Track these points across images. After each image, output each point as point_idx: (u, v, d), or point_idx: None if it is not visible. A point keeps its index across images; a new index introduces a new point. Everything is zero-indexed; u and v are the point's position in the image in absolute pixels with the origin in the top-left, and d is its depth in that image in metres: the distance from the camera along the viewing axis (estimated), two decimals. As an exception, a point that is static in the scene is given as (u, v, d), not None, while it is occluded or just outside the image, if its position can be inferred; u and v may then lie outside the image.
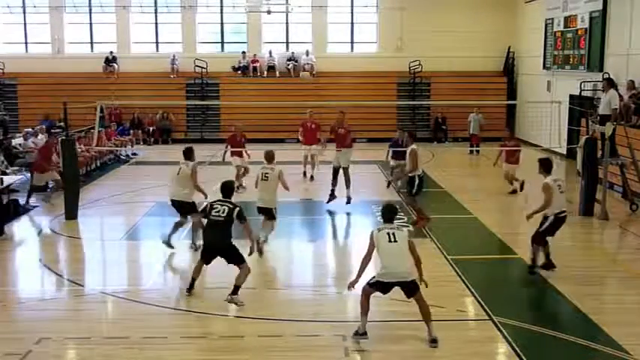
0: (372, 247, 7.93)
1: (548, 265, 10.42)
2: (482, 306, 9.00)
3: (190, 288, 9.49)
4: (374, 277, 7.96)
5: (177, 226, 11.79)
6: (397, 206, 8.14)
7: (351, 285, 8.06)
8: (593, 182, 14.15)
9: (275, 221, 11.92)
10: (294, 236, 13.12)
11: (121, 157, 22.30)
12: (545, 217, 10.29)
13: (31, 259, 11.68)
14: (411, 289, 7.90)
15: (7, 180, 14.52)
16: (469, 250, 11.99)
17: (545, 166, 10.48)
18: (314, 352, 7.77)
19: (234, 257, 9.27)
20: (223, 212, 9.23)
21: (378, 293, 8.00)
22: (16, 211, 14.43)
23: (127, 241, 12.73)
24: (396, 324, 8.56)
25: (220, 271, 10.75)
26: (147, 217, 14.24)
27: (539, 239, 10.37)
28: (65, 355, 7.94)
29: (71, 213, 13.87)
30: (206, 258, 9.47)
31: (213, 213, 9.30)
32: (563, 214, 10.33)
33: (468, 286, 9.79)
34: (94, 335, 8.16)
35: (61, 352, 7.89)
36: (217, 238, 9.29)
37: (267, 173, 11.76)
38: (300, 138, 18.41)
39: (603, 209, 13.89)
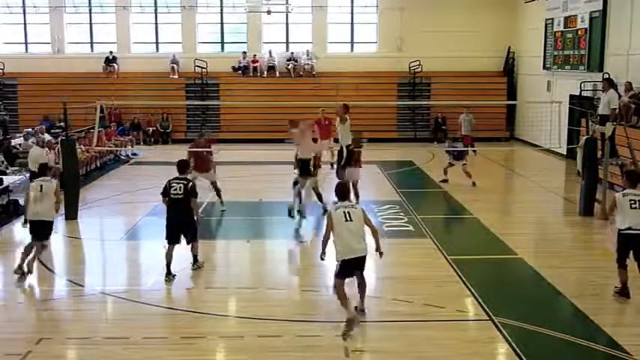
0: (330, 226, 8.33)
1: (623, 292, 9.41)
2: (482, 306, 8.99)
3: (168, 273, 10.11)
4: (337, 264, 8.38)
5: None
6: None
7: (322, 257, 8.54)
8: (593, 182, 14.15)
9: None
10: (294, 236, 13.11)
11: (121, 157, 22.30)
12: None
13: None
14: (362, 263, 8.39)
15: (7, 180, 14.53)
16: (469, 250, 11.99)
17: (633, 179, 9.51)
18: (314, 352, 7.76)
19: (193, 234, 10.28)
20: (181, 190, 10.06)
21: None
22: (16, 211, 14.42)
23: (127, 241, 12.73)
24: (396, 324, 8.56)
25: (221, 271, 10.78)
26: (147, 217, 14.22)
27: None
28: (65, 355, 7.94)
29: (71, 213, 13.86)
30: (171, 237, 10.20)
31: (172, 192, 10.13)
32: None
33: (468, 286, 9.78)
34: (94, 335, 8.16)
35: (61, 352, 7.89)
36: (180, 215, 10.14)
37: None
38: (316, 136, 18.53)
39: (603, 209, 13.88)
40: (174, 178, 10.26)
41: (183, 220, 10.15)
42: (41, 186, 10.34)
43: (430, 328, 8.40)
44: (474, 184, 17.08)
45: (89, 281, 10.48)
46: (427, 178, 19.17)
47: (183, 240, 10.27)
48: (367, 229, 8.50)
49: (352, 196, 13.56)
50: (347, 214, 8.26)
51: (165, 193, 10.18)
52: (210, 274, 10.64)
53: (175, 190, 10.07)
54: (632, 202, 9.13)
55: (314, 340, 8.05)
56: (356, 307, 8.52)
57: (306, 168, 13.48)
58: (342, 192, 8.65)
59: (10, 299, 9.71)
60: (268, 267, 11.29)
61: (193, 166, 13.85)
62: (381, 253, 8.58)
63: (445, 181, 17.51)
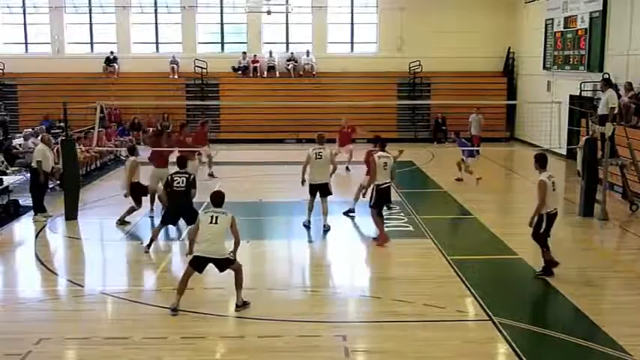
0: (197, 225, 8.92)
1: (547, 271, 10.32)
2: (482, 306, 8.99)
3: (149, 246, 11.43)
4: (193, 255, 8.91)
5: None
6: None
7: (188, 255, 9.08)
8: (593, 183, 14.14)
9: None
10: (293, 236, 13.11)
11: (121, 157, 22.27)
12: (541, 217, 10.19)
13: (31, 259, 11.67)
14: (222, 264, 8.86)
15: (7, 180, 14.53)
16: (469, 250, 11.99)
17: (541, 162, 10.41)
18: (314, 352, 7.76)
19: (193, 216, 10.47)
20: (183, 182, 11.14)
21: None
22: (16, 211, 14.43)
23: (127, 241, 12.73)
24: (396, 324, 8.56)
25: (219, 272, 10.77)
26: (147, 218, 14.22)
27: (543, 241, 10.26)
28: (65, 355, 7.94)
29: (71, 213, 13.87)
30: (167, 219, 11.65)
31: (174, 185, 11.16)
32: (555, 212, 10.27)
33: (467, 287, 9.78)
34: (94, 336, 8.15)
35: (60, 352, 7.90)
36: (181, 204, 11.19)
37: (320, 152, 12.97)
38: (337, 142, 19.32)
39: (603, 209, 13.89)
40: (175, 172, 11.41)
41: (184, 207, 11.26)
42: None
43: (430, 328, 8.39)
44: (478, 180, 17.11)
45: (89, 281, 10.48)
46: (427, 178, 19.17)
47: (179, 239, 10.34)
48: None
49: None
50: (214, 218, 8.80)
51: (168, 185, 11.40)
52: (210, 274, 10.60)
53: (178, 182, 11.19)
54: (552, 184, 10.12)
55: (314, 340, 8.05)
56: None
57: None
58: (219, 201, 9.06)
59: (10, 299, 9.71)
60: (268, 267, 11.29)
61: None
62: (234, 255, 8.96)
63: (460, 179, 17.53)
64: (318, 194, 13.04)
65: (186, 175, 11.29)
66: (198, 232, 8.85)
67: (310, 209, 13.19)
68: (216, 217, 8.78)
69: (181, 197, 11.24)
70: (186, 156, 12.17)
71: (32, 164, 14.07)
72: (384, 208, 12.62)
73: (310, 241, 12.57)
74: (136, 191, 13.41)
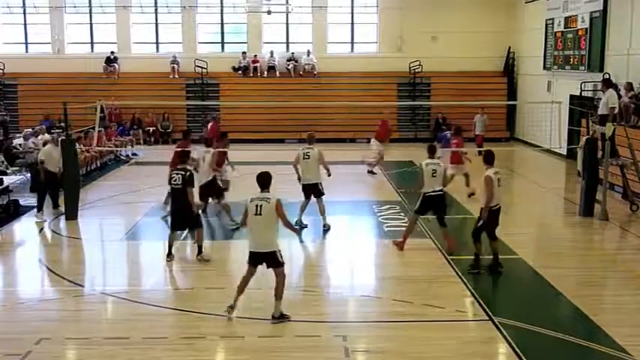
0: (245, 212, 8.54)
1: (494, 268, 10.38)
2: (481, 306, 9.00)
3: (169, 254, 10.88)
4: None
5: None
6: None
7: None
8: (593, 183, 14.14)
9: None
10: (294, 236, 13.09)
11: (121, 157, 22.30)
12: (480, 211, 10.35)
13: (31, 259, 11.68)
14: (269, 260, 8.45)
15: (7, 180, 14.54)
16: (469, 250, 11.97)
17: (488, 158, 10.48)
18: (314, 352, 7.76)
19: (193, 222, 10.86)
20: (179, 180, 10.62)
21: None
22: (16, 211, 14.44)
23: (127, 241, 12.73)
24: (396, 324, 8.57)
25: (221, 271, 10.78)
26: (147, 218, 14.23)
27: (477, 235, 10.46)
28: (65, 355, 7.94)
29: (71, 213, 13.87)
30: (173, 225, 11.09)
31: (172, 182, 10.77)
32: (496, 207, 10.34)
33: (467, 287, 9.79)
34: (94, 336, 8.16)
35: (61, 352, 7.90)
36: (179, 204, 10.75)
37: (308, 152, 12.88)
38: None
39: (603, 209, 13.89)
40: (174, 168, 11.12)
41: (182, 209, 10.75)
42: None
43: (430, 328, 8.39)
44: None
45: (89, 281, 10.48)
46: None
47: (179, 238, 10.33)
48: None
49: None
50: (258, 207, 8.35)
51: (168, 182, 11.12)
52: (210, 274, 10.63)
53: (175, 180, 10.73)
54: (497, 181, 10.27)
55: (314, 340, 8.05)
56: None
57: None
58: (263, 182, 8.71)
59: (10, 299, 9.72)
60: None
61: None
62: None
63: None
64: (312, 196, 13.05)
65: (183, 172, 10.75)
66: (247, 224, 8.51)
67: (302, 209, 13.17)
68: (260, 207, 8.26)
69: (178, 196, 10.76)
70: (188, 151, 11.86)
71: (38, 161, 14.06)
72: (438, 222, 11.77)
73: (301, 241, 12.53)
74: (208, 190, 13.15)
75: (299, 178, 13.09)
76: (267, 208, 8.26)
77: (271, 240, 8.40)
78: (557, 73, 23.41)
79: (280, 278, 8.47)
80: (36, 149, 17.81)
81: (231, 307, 8.54)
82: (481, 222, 10.34)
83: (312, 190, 13.06)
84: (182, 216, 10.84)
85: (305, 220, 13.17)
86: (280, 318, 8.41)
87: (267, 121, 26.08)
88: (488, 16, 27.79)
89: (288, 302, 9.42)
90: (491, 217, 10.25)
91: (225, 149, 14.42)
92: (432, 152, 11.82)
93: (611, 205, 14.40)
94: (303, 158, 12.97)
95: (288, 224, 8.68)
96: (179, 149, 13.65)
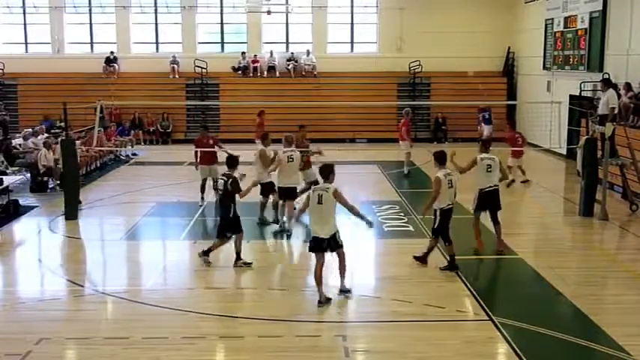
0: (307, 200, 9.20)
1: (451, 266, 10.45)
2: (481, 306, 9.00)
3: (205, 253, 10.76)
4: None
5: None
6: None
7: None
8: (593, 182, 14.15)
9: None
10: (293, 236, 13.10)
11: (121, 157, 22.30)
12: (435, 212, 10.44)
13: (31, 259, 11.69)
14: (332, 244, 9.09)
15: (7, 180, 14.54)
16: (469, 250, 11.98)
17: (439, 159, 10.56)
18: (314, 352, 7.76)
19: (233, 228, 10.69)
20: (222, 186, 10.39)
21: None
22: (16, 211, 14.44)
23: (127, 241, 12.72)
24: (396, 324, 8.57)
25: (221, 271, 10.78)
26: (147, 218, 14.24)
27: (446, 236, 10.52)
28: (65, 355, 7.94)
29: (71, 213, 13.87)
30: (219, 231, 10.92)
31: (218, 187, 10.58)
32: (448, 207, 10.42)
33: (467, 286, 9.79)
34: (94, 336, 8.16)
35: (61, 352, 7.90)
36: (221, 211, 10.77)
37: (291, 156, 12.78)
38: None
39: (603, 209, 13.89)
40: (223, 174, 10.78)
41: (223, 216, 10.75)
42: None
43: (430, 328, 8.40)
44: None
45: (89, 281, 10.48)
46: (427, 178, 19.14)
47: (179, 238, 10.31)
48: None
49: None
50: (320, 197, 8.95)
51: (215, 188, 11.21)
52: (211, 274, 10.64)
53: (219, 185, 10.59)
54: (449, 182, 10.34)
55: (314, 340, 8.05)
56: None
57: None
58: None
59: (11, 299, 9.72)
60: (268, 267, 11.28)
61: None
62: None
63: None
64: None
65: (225, 179, 10.50)
66: (310, 212, 9.09)
67: (275, 208, 13.16)
68: (321, 196, 8.92)
69: (222, 201, 10.72)
70: (236, 156, 11.03)
71: (40, 169, 13.93)
72: (492, 219, 11.58)
73: (305, 241, 12.46)
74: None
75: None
76: (327, 197, 8.91)
77: (331, 225, 9.06)
78: (557, 73, 23.41)
79: (342, 257, 9.31)
80: (36, 149, 17.82)
81: (321, 302, 8.94)
82: (437, 223, 10.45)
83: (289, 194, 12.76)
84: (226, 221, 10.67)
85: (304, 222, 13.17)
86: (346, 292, 9.34)
87: (267, 121, 25.98)
88: (487, 16, 27.80)
89: (288, 302, 9.44)
90: (444, 217, 10.41)
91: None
92: (486, 146, 11.61)
93: (611, 205, 14.41)
94: (288, 162, 12.59)
95: (351, 209, 9.22)
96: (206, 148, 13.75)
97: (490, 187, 11.35)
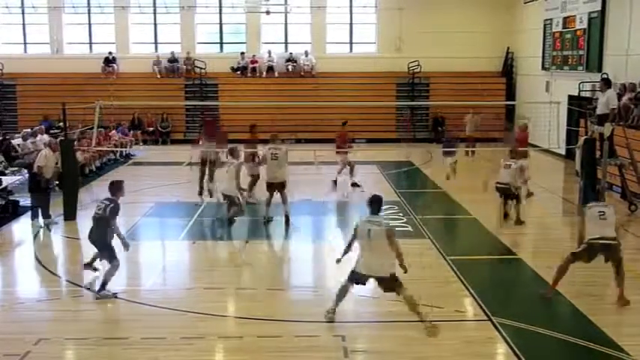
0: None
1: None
2: (481, 306, 9.00)
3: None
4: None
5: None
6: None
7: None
8: (591, 183, 14.14)
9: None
10: (293, 236, 13.11)
11: (120, 157, 22.27)
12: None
13: (30, 259, 11.66)
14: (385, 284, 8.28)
15: (6, 180, 14.50)
16: (468, 250, 12.00)
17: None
18: (313, 352, 7.77)
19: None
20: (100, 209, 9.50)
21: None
22: (15, 211, 14.42)
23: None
24: (395, 324, 8.56)
25: (220, 271, 10.78)
26: (146, 218, 14.23)
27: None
28: (64, 355, 7.93)
29: (70, 213, 13.85)
30: None
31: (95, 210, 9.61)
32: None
33: (467, 287, 9.79)
34: (93, 336, 8.15)
35: (60, 352, 7.89)
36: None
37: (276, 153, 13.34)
38: None
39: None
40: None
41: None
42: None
43: (429, 328, 8.39)
44: (447, 177, 17.29)
45: (88, 281, 10.45)
46: (426, 178, 19.18)
47: (178, 239, 10.24)
48: None
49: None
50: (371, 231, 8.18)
51: None
52: (210, 274, 10.64)
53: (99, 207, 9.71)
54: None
55: (314, 340, 8.05)
56: None
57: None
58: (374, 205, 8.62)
59: (10, 299, 9.71)
60: (268, 267, 11.28)
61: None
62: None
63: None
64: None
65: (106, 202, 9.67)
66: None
67: (268, 204, 13.59)
68: (371, 230, 8.12)
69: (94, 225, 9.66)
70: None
71: (34, 169, 13.82)
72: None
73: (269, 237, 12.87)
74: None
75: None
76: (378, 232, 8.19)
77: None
78: (556, 73, 23.43)
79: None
80: (35, 150, 17.78)
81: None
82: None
83: (278, 187, 13.52)
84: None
85: (304, 221, 13.20)
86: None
87: (266, 122, 25.98)
88: (486, 17, 27.82)
89: (288, 302, 9.44)
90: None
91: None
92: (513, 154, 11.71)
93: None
94: (272, 159, 13.43)
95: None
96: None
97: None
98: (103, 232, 9.44)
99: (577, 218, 9.80)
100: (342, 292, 8.54)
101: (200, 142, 16.14)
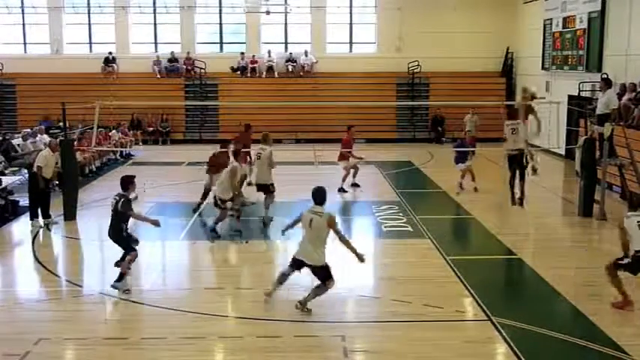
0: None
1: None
2: (481, 306, 9.00)
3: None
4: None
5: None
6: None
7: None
8: (591, 183, 14.15)
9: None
10: (293, 236, 13.08)
11: (119, 158, 22.27)
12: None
13: (30, 259, 11.66)
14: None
15: (6, 180, 14.48)
16: (468, 250, 12.01)
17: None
18: (313, 352, 7.77)
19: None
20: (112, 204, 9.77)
21: None
22: (15, 211, 14.41)
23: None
24: (395, 324, 8.56)
25: (220, 271, 10.78)
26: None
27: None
28: (64, 355, 7.93)
29: (70, 214, 13.85)
30: None
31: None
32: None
33: (467, 287, 9.78)
34: (93, 336, 8.15)
35: (59, 352, 7.89)
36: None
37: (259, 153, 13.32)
38: None
39: (602, 210, 13.90)
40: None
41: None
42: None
43: (429, 328, 8.40)
44: (475, 189, 16.70)
45: (88, 282, 10.47)
46: (426, 178, 19.18)
47: (178, 239, 10.23)
48: None
49: None
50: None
51: None
52: (210, 274, 10.64)
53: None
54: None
55: (313, 340, 8.05)
56: None
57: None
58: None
59: (10, 299, 9.71)
60: (267, 267, 11.27)
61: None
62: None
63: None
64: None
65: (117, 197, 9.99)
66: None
67: (266, 207, 13.54)
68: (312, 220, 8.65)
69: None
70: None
71: (33, 169, 13.78)
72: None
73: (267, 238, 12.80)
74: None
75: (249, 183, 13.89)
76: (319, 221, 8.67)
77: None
78: (556, 73, 23.43)
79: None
80: (35, 150, 17.77)
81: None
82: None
83: (264, 190, 13.45)
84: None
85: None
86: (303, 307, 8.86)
87: (266, 122, 26.00)
88: (486, 17, 27.82)
89: (288, 302, 9.43)
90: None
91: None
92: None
93: (610, 206, 14.41)
94: (257, 159, 13.58)
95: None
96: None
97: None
98: (117, 226, 9.77)
99: (617, 231, 9.45)
100: (282, 277, 8.99)
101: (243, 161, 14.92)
